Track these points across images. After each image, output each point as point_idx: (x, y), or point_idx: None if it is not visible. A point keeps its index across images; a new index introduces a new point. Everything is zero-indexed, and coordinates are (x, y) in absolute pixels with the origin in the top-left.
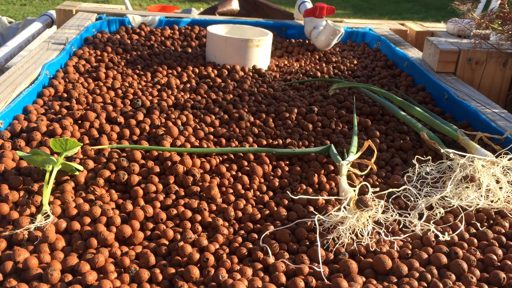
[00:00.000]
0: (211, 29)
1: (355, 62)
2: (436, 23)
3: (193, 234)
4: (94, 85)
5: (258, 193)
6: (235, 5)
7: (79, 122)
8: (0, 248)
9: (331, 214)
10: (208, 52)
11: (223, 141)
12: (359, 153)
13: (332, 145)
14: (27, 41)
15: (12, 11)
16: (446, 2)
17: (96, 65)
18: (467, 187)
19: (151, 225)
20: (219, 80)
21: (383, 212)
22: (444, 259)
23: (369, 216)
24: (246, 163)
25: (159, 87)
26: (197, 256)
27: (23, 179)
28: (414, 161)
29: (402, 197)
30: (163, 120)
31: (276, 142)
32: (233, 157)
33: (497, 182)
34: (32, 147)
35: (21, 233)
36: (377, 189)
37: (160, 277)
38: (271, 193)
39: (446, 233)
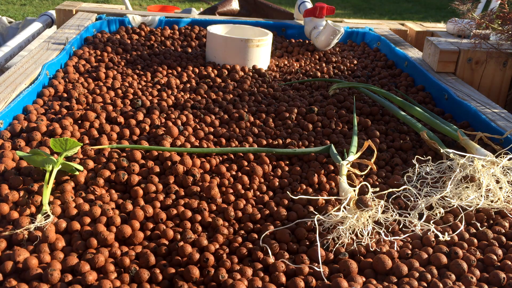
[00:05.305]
0: (211, 29)
1: (355, 62)
2: (436, 23)
3: (193, 234)
4: (94, 85)
5: (258, 193)
6: (235, 5)
7: (79, 122)
8: (0, 248)
9: (331, 214)
10: (208, 52)
11: (223, 141)
12: (359, 153)
13: (332, 145)
14: (27, 41)
15: (12, 11)
16: (446, 2)
17: (96, 65)
18: (467, 187)
19: (151, 225)
20: (219, 80)
21: (383, 212)
22: (444, 259)
23: (369, 216)
24: (246, 163)
25: (159, 87)
26: (197, 256)
27: (23, 179)
28: (414, 161)
29: (402, 197)
30: (163, 120)
31: (276, 142)
32: (233, 157)
33: (497, 182)
34: (32, 147)
35: (21, 233)
36: (377, 189)
37: (160, 277)
38: (271, 193)
39: (446, 233)
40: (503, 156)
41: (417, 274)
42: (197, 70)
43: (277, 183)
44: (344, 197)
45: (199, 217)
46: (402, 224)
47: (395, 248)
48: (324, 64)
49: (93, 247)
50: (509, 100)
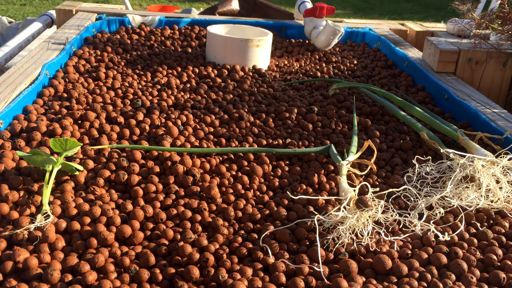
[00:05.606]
0: (211, 29)
1: (355, 62)
2: (436, 23)
3: (193, 234)
4: (94, 85)
5: (258, 193)
6: (235, 5)
7: (79, 122)
8: (0, 248)
9: (331, 214)
10: (208, 52)
11: (223, 141)
12: (359, 153)
13: (332, 145)
14: (27, 41)
15: (12, 11)
16: (446, 2)
17: (96, 65)
18: (467, 187)
19: (151, 225)
20: (219, 80)
21: (383, 212)
22: (444, 259)
23: (369, 216)
24: (246, 163)
25: (159, 87)
26: (197, 256)
27: (23, 179)
28: (414, 161)
29: (402, 197)
30: (163, 120)
31: (276, 142)
32: (233, 157)
33: (497, 182)
34: (32, 147)
35: (21, 233)
36: (377, 189)
37: (160, 277)
38: (271, 193)
39: (446, 233)
40: (503, 156)
41: (417, 274)
42: (197, 70)
43: (277, 183)
44: (344, 197)
45: (199, 217)
46: (402, 224)
47: (395, 248)
48: (324, 64)
49: (93, 247)
50: (509, 100)
